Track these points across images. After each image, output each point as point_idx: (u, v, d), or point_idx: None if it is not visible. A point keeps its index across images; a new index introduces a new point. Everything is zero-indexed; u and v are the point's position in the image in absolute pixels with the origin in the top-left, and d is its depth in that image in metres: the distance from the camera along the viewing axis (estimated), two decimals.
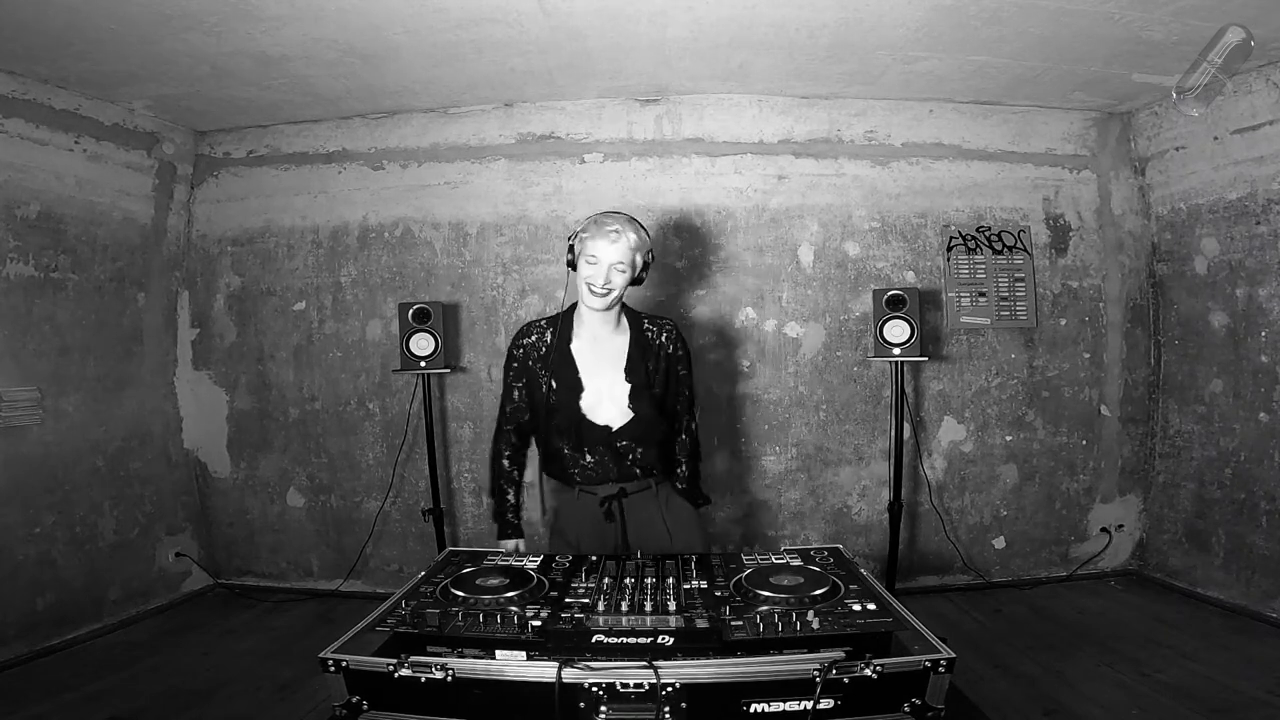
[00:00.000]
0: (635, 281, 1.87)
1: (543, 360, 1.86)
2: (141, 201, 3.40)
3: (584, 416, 1.82)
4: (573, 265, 1.86)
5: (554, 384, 1.83)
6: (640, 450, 1.85)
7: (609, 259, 1.77)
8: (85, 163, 3.11)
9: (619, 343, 1.89)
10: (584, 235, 1.81)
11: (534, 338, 1.90)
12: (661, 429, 1.89)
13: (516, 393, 1.94)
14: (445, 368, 3.28)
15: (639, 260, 1.84)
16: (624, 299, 1.89)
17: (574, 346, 1.88)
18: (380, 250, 3.54)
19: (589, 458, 1.83)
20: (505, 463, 1.96)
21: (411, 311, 3.20)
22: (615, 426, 1.82)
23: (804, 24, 2.65)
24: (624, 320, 1.92)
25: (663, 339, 1.93)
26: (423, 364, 3.20)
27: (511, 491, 1.96)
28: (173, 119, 3.43)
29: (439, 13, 2.49)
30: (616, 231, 1.77)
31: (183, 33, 2.54)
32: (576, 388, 1.83)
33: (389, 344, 3.49)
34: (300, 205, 3.58)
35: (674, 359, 1.94)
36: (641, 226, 1.85)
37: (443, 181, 3.51)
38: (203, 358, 3.64)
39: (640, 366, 1.86)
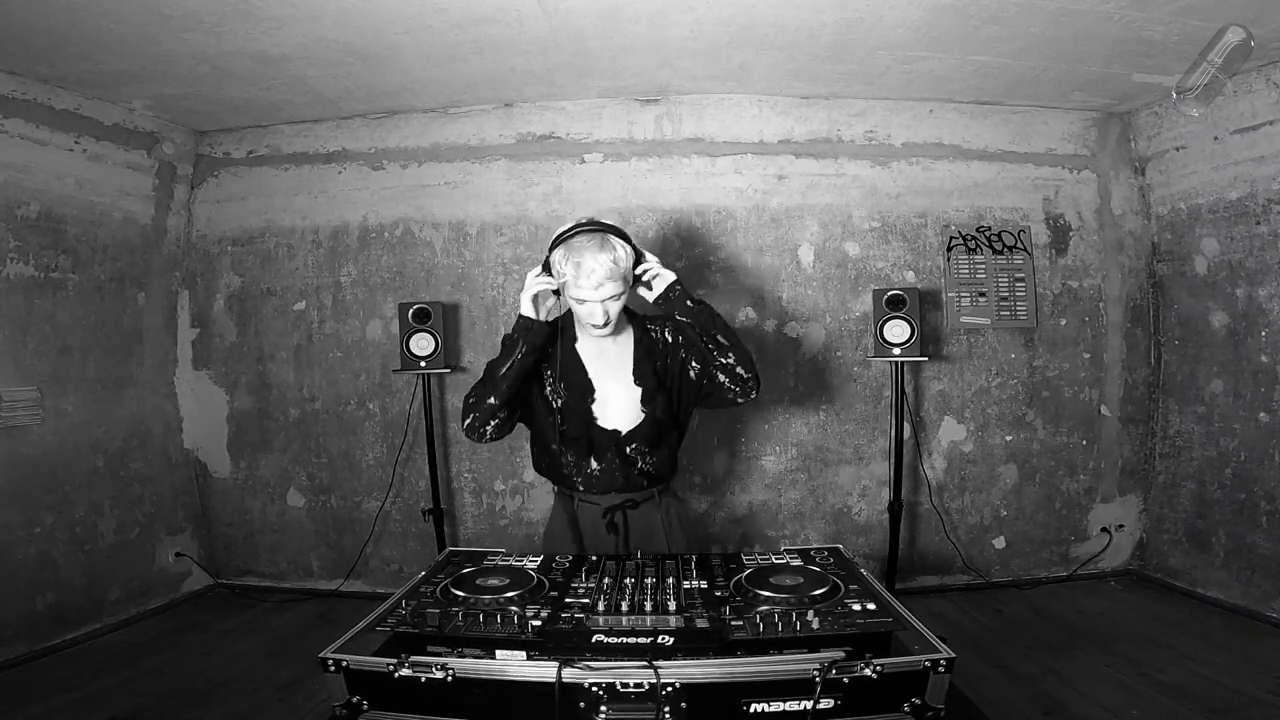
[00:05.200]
0: (637, 283, 1.77)
1: (549, 361, 1.78)
2: (141, 201, 3.40)
3: (594, 421, 1.76)
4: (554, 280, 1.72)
5: (563, 387, 1.75)
6: (650, 456, 1.79)
7: (598, 298, 1.66)
8: (85, 163, 3.11)
9: (623, 345, 1.83)
10: (564, 276, 1.67)
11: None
12: (673, 431, 1.82)
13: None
14: (445, 368, 3.28)
15: (629, 275, 1.70)
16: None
17: (580, 347, 1.81)
18: (380, 250, 3.54)
19: (595, 465, 1.76)
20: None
21: (411, 311, 3.20)
22: (625, 430, 1.77)
23: (804, 24, 2.65)
24: (626, 323, 1.84)
25: (668, 338, 1.83)
26: (423, 364, 3.20)
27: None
28: (173, 119, 3.43)
29: (439, 13, 2.49)
30: (594, 273, 1.63)
31: (183, 33, 2.54)
32: (588, 391, 1.77)
33: (389, 344, 3.49)
34: (300, 205, 3.58)
35: (681, 356, 1.82)
36: (614, 235, 1.67)
37: (443, 181, 3.51)
38: (203, 358, 3.65)
39: (648, 368, 1.79)
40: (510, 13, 2.51)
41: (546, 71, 3.07)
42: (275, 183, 3.60)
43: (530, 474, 3.49)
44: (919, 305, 3.16)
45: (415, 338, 3.19)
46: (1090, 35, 2.68)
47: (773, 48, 2.88)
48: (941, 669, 1.03)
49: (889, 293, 3.14)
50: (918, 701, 1.04)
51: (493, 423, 1.74)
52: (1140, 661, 2.59)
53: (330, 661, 1.06)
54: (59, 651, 2.88)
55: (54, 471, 3.00)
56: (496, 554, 1.57)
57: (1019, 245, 3.49)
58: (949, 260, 3.48)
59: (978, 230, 3.49)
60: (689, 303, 1.72)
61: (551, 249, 1.70)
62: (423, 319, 3.20)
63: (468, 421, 1.76)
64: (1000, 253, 3.49)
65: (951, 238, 3.48)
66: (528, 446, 3.42)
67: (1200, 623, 2.95)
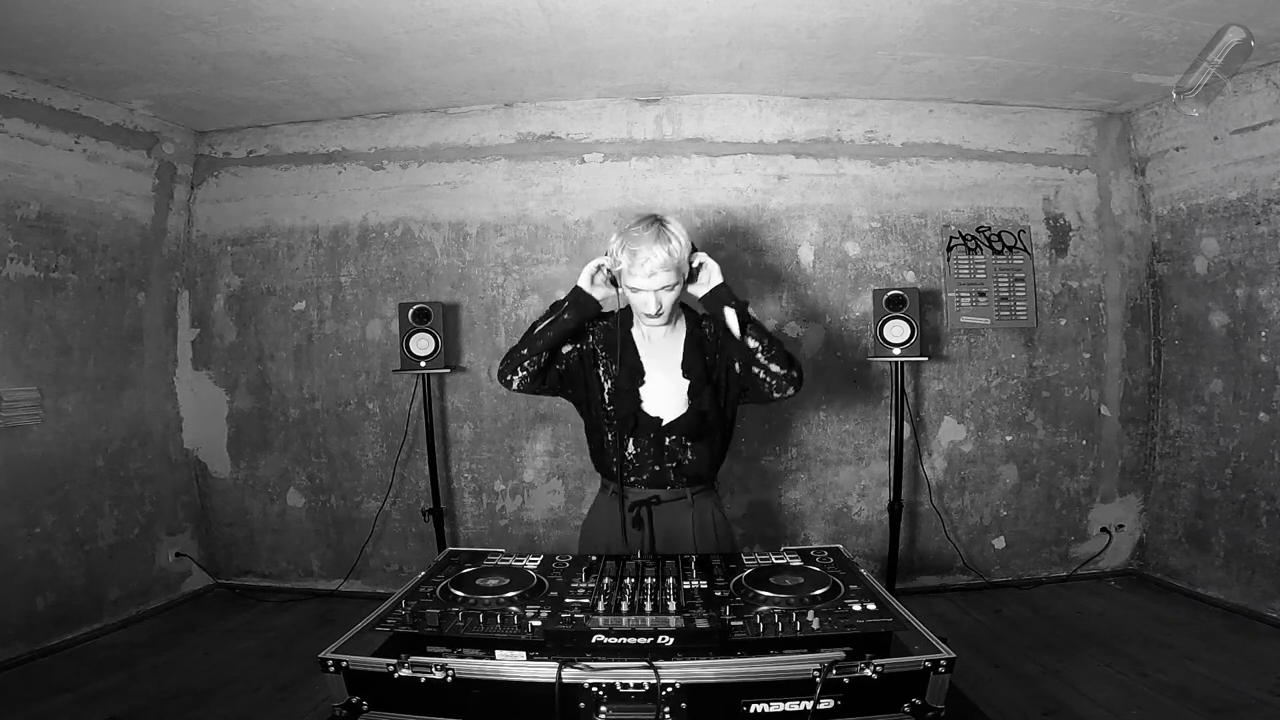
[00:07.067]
0: (690, 279, 1.82)
1: (607, 343, 1.85)
2: (141, 201, 3.40)
3: (640, 404, 1.81)
4: (614, 280, 1.80)
5: (615, 369, 1.82)
6: (689, 450, 1.82)
7: (652, 287, 1.73)
8: (85, 163, 3.11)
9: (675, 338, 1.89)
10: (621, 267, 1.74)
11: (605, 320, 1.88)
12: (718, 427, 1.88)
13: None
14: (445, 368, 3.28)
15: (684, 269, 1.76)
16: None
17: (635, 333, 1.88)
18: (380, 250, 3.54)
19: (633, 449, 1.82)
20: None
21: (411, 311, 3.20)
22: (667, 420, 1.81)
23: (804, 24, 2.65)
24: (681, 316, 1.90)
25: (719, 333, 1.87)
26: (423, 364, 3.20)
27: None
28: (173, 119, 3.43)
29: (439, 13, 2.49)
30: (648, 261, 1.69)
31: (183, 33, 2.54)
32: (638, 373, 1.83)
33: (389, 344, 3.49)
34: (300, 205, 3.58)
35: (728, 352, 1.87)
36: (669, 228, 1.74)
37: (443, 181, 3.51)
38: (203, 358, 3.65)
39: (697, 362, 1.85)
40: (510, 13, 2.51)
41: (546, 71, 3.07)
42: (275, 183, 3.60)
43: (530, 474, 3.49)
44: (919, 305, 3.16)
45: (415, 338, 3.19)
46: (1090, 35, 2.68)
47: (773, 48, 2.88)
48: (941, 669, 1.03)
49: (889, 293, 3.14)
50: (918, 702, 1.04)
51: (519, 373, 1.80)
52: (1140, 661, 2.59)
53: (330, 662, 1.06)
54: (59, 651, 2.88)
55: (54, 471, 3.00)
56: (496, 554, 1.57)
57: (1019, 245, 3.49)
58: (949, 260, 3.48)
59: (978, 230, 3.49)
60: (731, 303, 1.80)
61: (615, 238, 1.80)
62: (422, 319, 3.20)
63: (499, 366, 1.83)
64: (1000, 253, 3.49)
65: (951, 238, 3.48)
66: (528, 446, 3.48)
67: (1200, 623, 2.95)
